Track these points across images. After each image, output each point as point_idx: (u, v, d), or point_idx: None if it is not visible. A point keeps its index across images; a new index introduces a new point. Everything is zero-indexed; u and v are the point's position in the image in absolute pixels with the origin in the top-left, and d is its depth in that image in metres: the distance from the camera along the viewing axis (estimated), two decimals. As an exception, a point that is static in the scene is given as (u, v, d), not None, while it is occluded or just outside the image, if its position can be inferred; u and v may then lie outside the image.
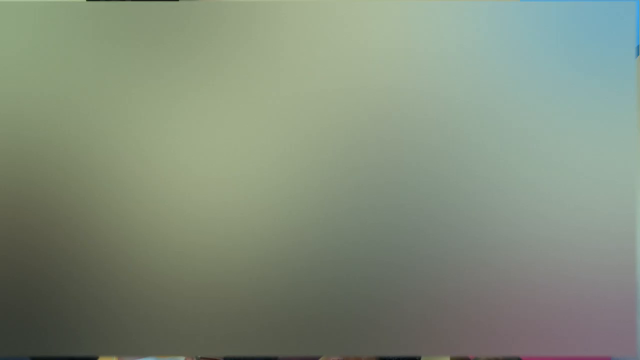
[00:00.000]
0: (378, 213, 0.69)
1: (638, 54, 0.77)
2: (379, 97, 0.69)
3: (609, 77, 0.69)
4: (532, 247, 0.69)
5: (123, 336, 0.69)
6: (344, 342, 0.69)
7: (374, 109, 0.69)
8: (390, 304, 0.69)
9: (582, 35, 0.70)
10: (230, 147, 0.69)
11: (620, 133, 0.69)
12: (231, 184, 0.69)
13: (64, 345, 0.69)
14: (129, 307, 0.69)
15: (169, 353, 0.69)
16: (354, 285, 0.69)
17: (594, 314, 0.69)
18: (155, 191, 0.69)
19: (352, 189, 0.69)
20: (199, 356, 0.69)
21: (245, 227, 0.69)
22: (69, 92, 0.69)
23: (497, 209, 0.69)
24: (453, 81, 0.69)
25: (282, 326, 0.69)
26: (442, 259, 0.69)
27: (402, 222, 0.69)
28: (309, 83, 0.69)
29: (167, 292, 0.69)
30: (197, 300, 0.69)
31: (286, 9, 0.69)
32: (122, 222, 0.69)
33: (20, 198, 0.68)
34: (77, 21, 0.69)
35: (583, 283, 0.69)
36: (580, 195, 0.69)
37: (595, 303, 0.69)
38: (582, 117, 0.70)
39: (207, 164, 0.69)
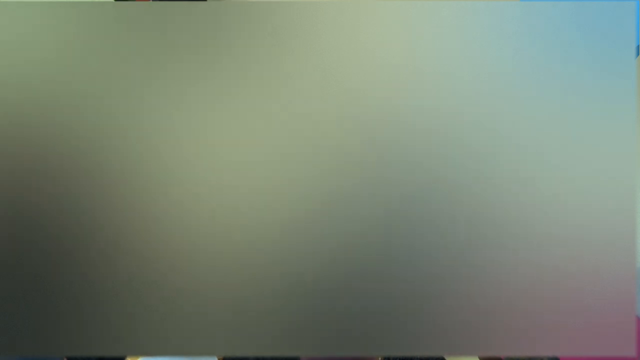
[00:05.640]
0: (388, 212, 0.69)
1: (638, 54, 0.77)
2: (380, 97, 0.69)
3: (609, 77, 0.69)
4: (531, 247, 0.69)
5: (150, 336, 0.69)
6: (363, 341, 0.69)
7: (376, 109, 0.69)
8: (399, 303, 0.69)
9: (582, 35, 0.70)
10: (235, 148, 0.69)
11: (620, 133, 0.69)
12: (238, 183, 0.69)
13: (93, 345, 0.69)
14: (150, 307, 0.69)
15: (195, 353, 0.69)
16: (369, 284, 0.69)
17: (593, 314, 0.69)
18: (161, 190, 0.69)
19: (359, 189, 0.69)
20: (224, 356, 0.70)
21: (257, 226, 0.69)
22: (70, 91, 0.69)
23: (497, 209, 0.69)
24: (452, 81, 0.69)
25: (300, 326, 0.69)
26: (441, 259, 0.69)
27: (410, 221, 0.69)
28: (312, 83, 0.69)
29: (187, 291, 0.69)
30: (220, 300, 0.69)
31: (288, 9, 0.70)
32: (131, 222, 0.69)
33: (31, 199, 0.68)
34: (80, 21, 0.69)
35: (582, 283, 0.69)
36: (580, 195, 0.69)
37: (595, 303, 0.69)
38: (582, 117, 0.70)
39: (211, 164, 0.69)
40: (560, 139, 0.70)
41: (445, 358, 0.80)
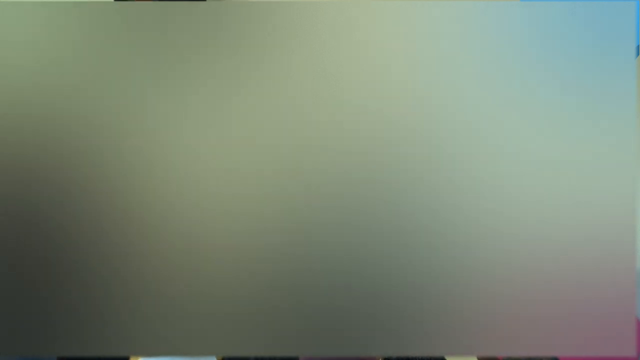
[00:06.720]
0: (388, 212, 0.69)
1: (638, 54, 0.77)
2: (380, 97, 0.69)
3: (609, 77, 0.69)
4: (531, 247, 0.69)
5: (150, 336, 0.69)
6: (363, 341, 0.69)
7: (376, 109, 0.69)
8: (399, 303, 0.69)
9: (582, 35, 0.70)
10: (235, 147, 0.69)
11: (620, 133, 0.69)
12: (238, 183, 0.69)
13: (90, 345, 0.69)
14: (150, 307, 0.69)
15: (195, 353, 0.69)
16: (369, 284, 0.69)
17: (593, 314, 0.69)
18: (161, 189, 0.69)
19: (355, 189, 0.69)
20: (224, 356, 0.70)
21: (257, 226, 0.69)
22: (71, 91, 0.69)
23: (497, 209, 0.69)
24: (452, 81, 0.69)
25: (300, 326, 0.69)
26: (442, 259, 0.69)
27: (407, 221, 0.69)
28: (312, 83, 0.69)
29: (187, 291, 0.69)
30: (220, 300, 0.69)
31: (288, 9, 0.70)
32: (131, 221, 0.69)
33: (30, 198, 0.68)
34: (80, 21, 0.69)
35: (583, 283, 0.69)
36: (580, 195, 0.69)
37: (595, 303, 0.69)
38: (582, 117, 0.69)
39: (212, 163, 0.69)
40: (560, 139, 0.70)
41: (445, 358, 0.80)
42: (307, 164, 0.69)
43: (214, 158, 0.69)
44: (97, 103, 0.69)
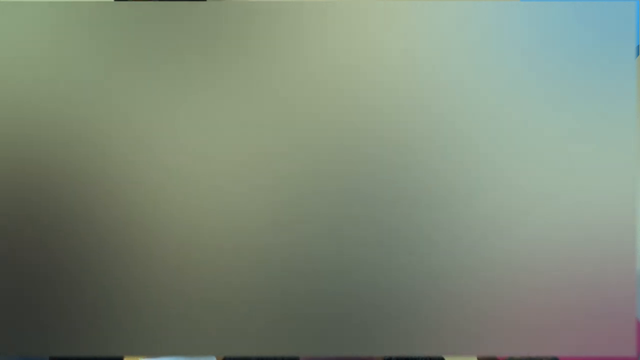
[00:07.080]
0: (383, 213, 0.69)
1: (638, 54, 0.77)
2: (379, 98, 0.69)
3: (609, 77, 0.69)
4: (531, 248, 0.69)
5: (150, 336, 0.69)
6: (363, 341, 0.69)
7: (375, 109, 0.69)
8: (399, 304, 0.69)
9: (582, 35, 0.70)
10: (234, 148, 0.69)
11: (620, 133, 0.69)
12: (238, 184, 0.69)
13: (86, 345, 0.69)
14: (151, 307, 0.69)
15: (195, 353, 0.69)
16: (369, 284, 0.69)
17: (593, 314, 0.69)
18: (160, 189, 0.69)
19: (356, 189, 0.69)
20: (224, 356, 0.70)
21: (258, 227, 0.69)
22: (72, 91, 0.69)
23: (497, 209, 0.69)
24: (452, 81, 0.69)
25: (300, 326, 0.69)
26: (442, 259, 0.69)
27: (407, 221, 0.69)
28: (312, 83, 0.69)
29: (187, 292, 0.69)
30: (220, 301, 0.69)
31: (288, 9, 0.70)
32: (131, 222, 0.69)
33: (27, 198, 0.68)
34: (80, 21, 0.69)
35: (583, 283, 0.69)
36: (580, 195, 0.69)
37: (595, 303, 0.69)
38: (582, 117, 0.70)
39: (211, 164, 0.69)
40: (560, 139, 0.70)
41: (445, 358, 0.80)
42: (306, 164, 0.69)
43: (213, 158, 0.69)
44: (97, 103, 0.69)
